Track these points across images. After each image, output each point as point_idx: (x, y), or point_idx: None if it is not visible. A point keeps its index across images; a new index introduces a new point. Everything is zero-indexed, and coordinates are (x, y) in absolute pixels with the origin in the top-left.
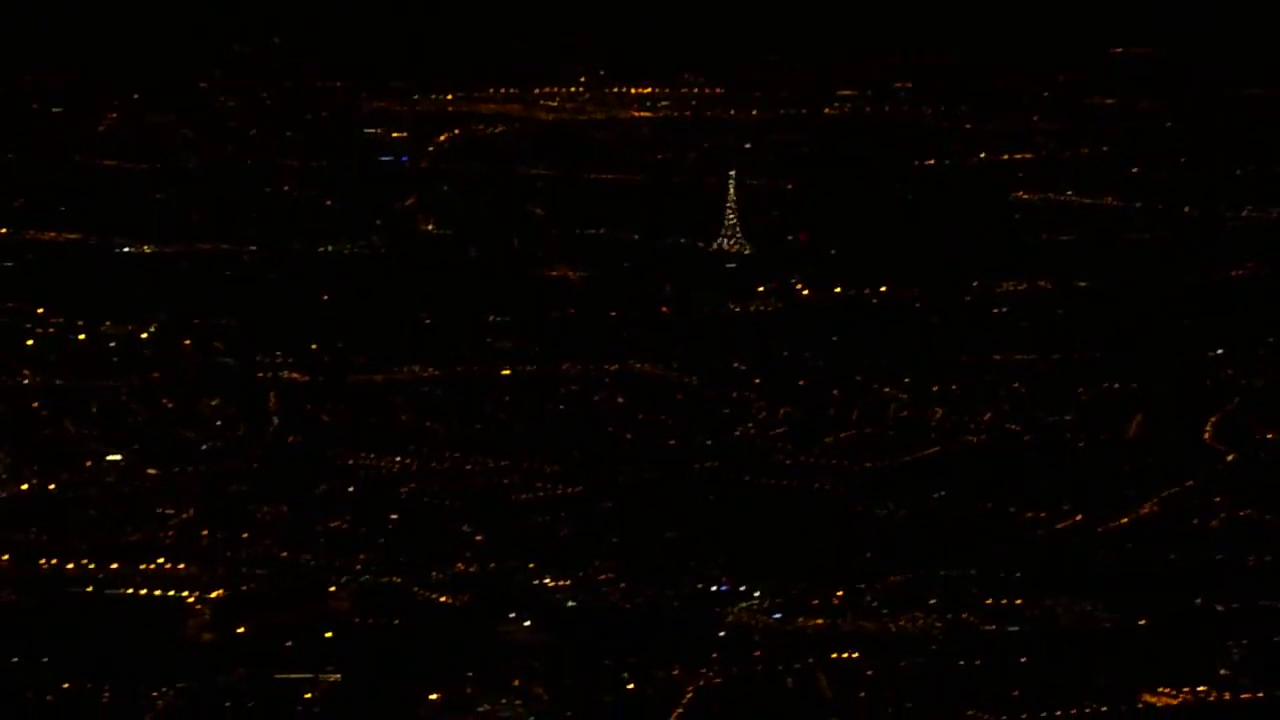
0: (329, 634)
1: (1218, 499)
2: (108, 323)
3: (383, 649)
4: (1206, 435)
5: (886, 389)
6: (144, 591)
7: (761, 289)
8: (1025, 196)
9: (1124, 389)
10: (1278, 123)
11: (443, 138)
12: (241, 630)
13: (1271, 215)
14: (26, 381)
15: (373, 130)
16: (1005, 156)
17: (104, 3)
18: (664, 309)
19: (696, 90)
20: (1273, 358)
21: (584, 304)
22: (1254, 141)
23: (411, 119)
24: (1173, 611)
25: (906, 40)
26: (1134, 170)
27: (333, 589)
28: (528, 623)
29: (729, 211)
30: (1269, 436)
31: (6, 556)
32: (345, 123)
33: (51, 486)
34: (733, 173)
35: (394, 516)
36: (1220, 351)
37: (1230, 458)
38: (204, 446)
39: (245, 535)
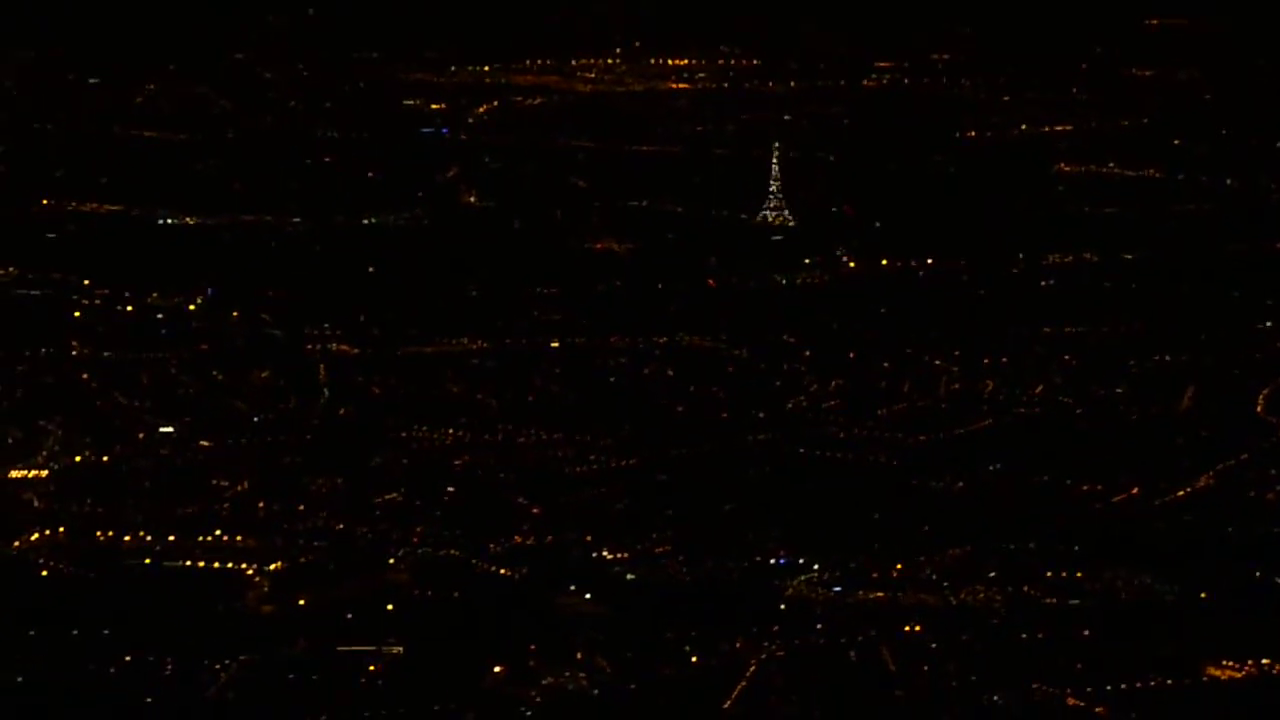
0: (390, 606)
1: (1273, 472)
2: (154, 294)
3: (444, 621)
4: (1259, 408)
5: (937, 361)
6: (202, 564)
7: (807, 261)
8: (1067, 168)
9: (1174, 362)
10: None
11: (481, 109)
12: (302, 603)
13: None
14: (75, 353)
15: (412, 101)
16: (1046, 129)
17: None
18: (710, 282)
19: (734, 62)
20: None
21: (630, 276)
22: None
23: (449, 90)
24: (1233, 585)
25: (942, 12)
26: (1175, 142)
27: (392, 561)
28: (588, 595)
29: (773, 184)
30: None
31: (62, 529)
32: (384, 94)
33: (105, 459)
34: (776, 145)
35: (449, 489)
36: (1269, 324)
37: None
38: (256, 419)
39: (301, 508)
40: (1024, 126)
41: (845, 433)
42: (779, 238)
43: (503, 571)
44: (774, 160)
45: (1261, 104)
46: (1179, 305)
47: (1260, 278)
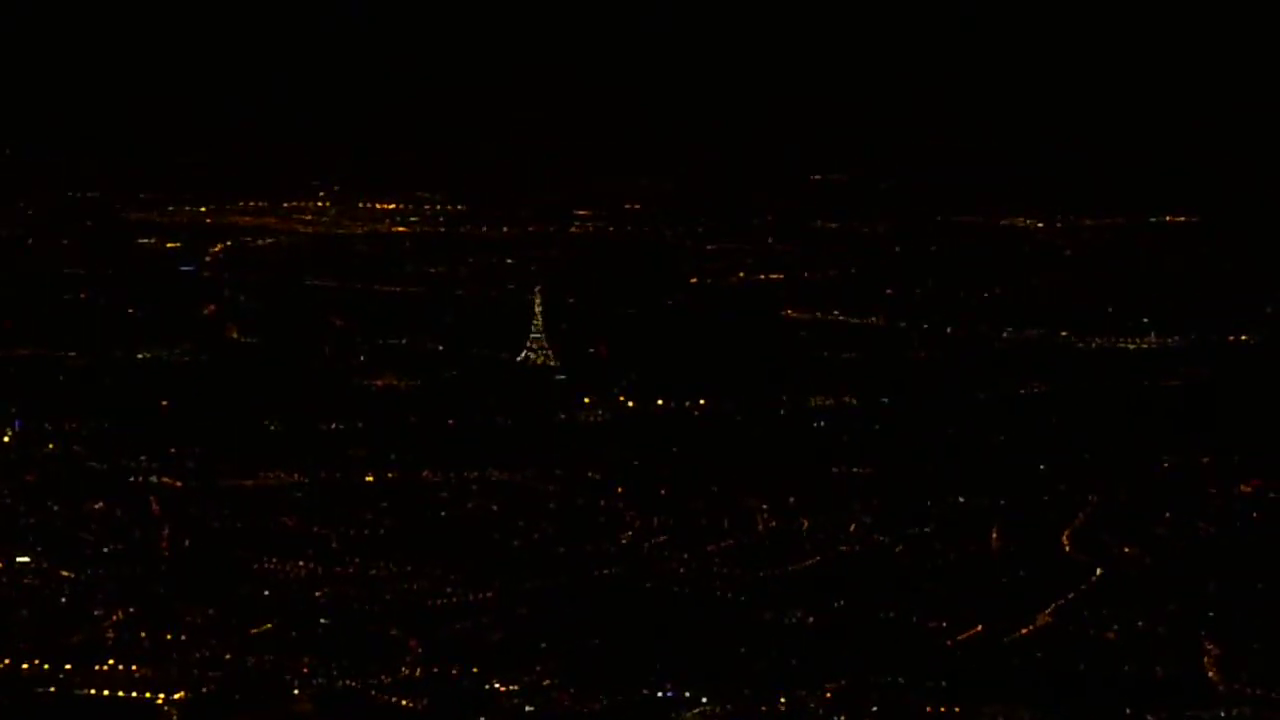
0: None
1: (1104, 611)
2: None
3: None
4: (1066, 548)
5: (747, 499)
6: (106, 692)
7: (587, 400)
8: (794, 314)
9: (970, 503)
10: (1000, 246)
11: (217, 248)
12: None
13: (1031, 335)
14: None
15: (147, 240)
16: (761, 276)
17: None
18: (497, 418)
19: (439, 207)
20: (1092, 472)
21: (417, 412)
22: (982, 263)
23: (175, 229)
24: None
25: (613, 164)
26: (888, 291)
27: (296, 692)
28: None
29: (535, 324)
30: (1126, 550)
31: None
32: (116, 232)
33: None
34: (538, 288)
35: (321, 621)
36: (1042, 467)
37: (1099, 571)
38: (105, 549)
39: (184, 637)
40: (741, 274)
41: (684, 568)
42: (562, 378)
43: (404, 703)
44: (537, 303)
45: (950, 255)
46: (953, 449)
47: (1015, 423)
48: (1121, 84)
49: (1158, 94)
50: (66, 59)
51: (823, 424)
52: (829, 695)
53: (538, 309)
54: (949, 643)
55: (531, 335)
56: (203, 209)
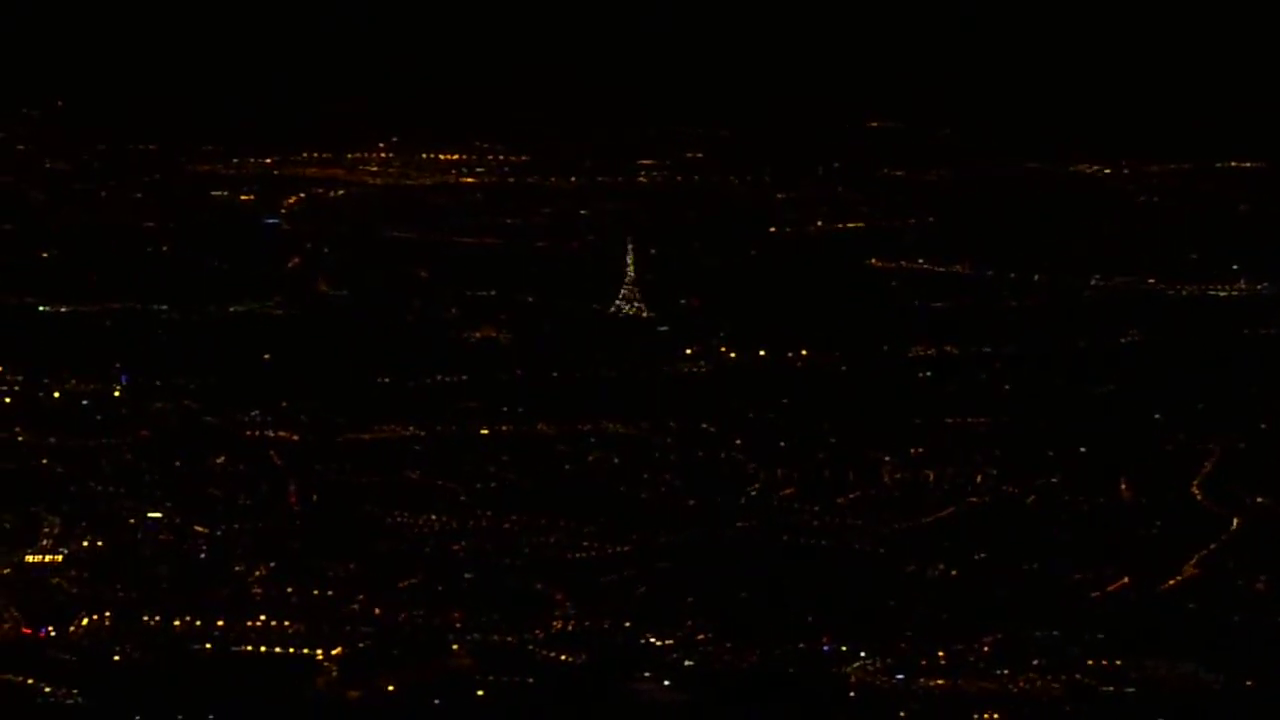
0: (480, 692)
1: (1249, 560)
2: (72, 381)
3: (529, 707)
4: (1198, 497)
5: (868, 451)
6: (263, 649)
7: (689, 351)
8: (878, 264)
9: (1090, 453)
10: (1069, 192)
11: (291, 200)
12: (391, 689)
13: (1118, 283)
14: (22, 439)
15: (220, 192)
16: (840, 225)
17: None
18: (601, 370)
19: (502, 158)
20: (1208, 420)
21: (522, 364)
22: (1056, 210)
23: (245, 181)
24: (1273, 672)
25: (672, 113)
26: (970, 239)
27: (455, 647)
28: (666, 682)
29: (628, 276)
30: (1259, 500)
31: (108, 614)
32: (187, 185)
33: (101, 543)
34: (630, 240)
35: (466, 575)
36: (1157, 416)
37: (1235, 521)
38: (236, 505)
39: (330, 593)
40: (819, 223)
41: (817, 520)
42: (664, 329)
43: (563, 657)
44: (629, 254)
45: (1023, 203)
46: (1063, 397)
47: (1120, 372)
48: (1175, 29)
49: (1214, 39)
50: (113, 11)
51: (928, 374)
52: (986, 649)
53: (630, 259)
54: (1096, 595)
55: (624, 286)
56: (268, 160)
